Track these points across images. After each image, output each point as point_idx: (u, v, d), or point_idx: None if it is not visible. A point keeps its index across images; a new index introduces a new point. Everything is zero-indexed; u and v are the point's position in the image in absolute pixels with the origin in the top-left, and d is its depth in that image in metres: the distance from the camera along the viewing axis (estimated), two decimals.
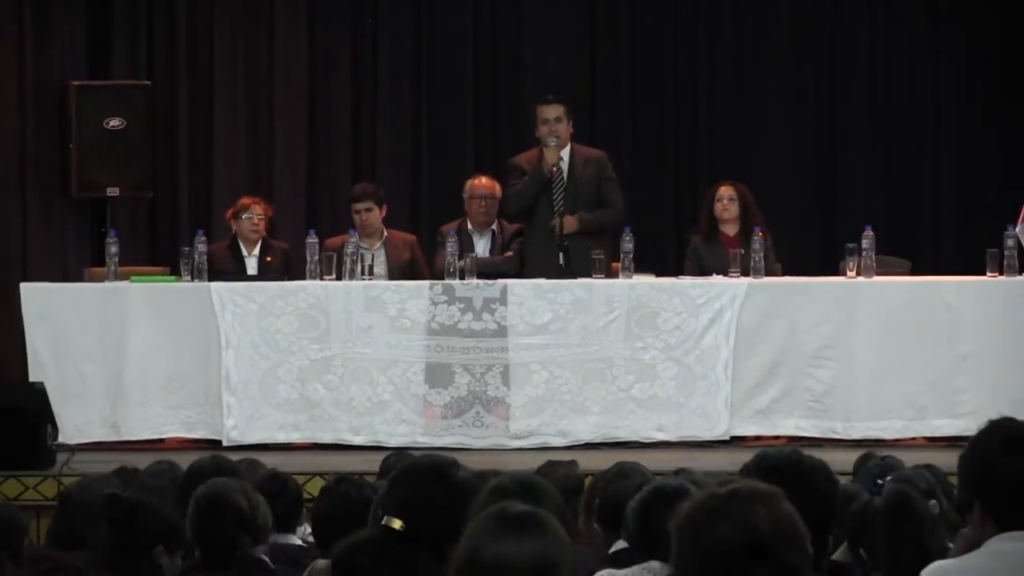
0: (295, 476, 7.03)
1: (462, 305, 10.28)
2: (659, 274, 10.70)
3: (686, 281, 10.51)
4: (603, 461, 7.58)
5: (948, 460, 6.02)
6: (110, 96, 12.44)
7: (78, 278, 11.23)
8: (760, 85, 13.28)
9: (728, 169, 12.09)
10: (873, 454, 7.40)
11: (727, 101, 13.32)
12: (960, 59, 13.25)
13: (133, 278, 10.59)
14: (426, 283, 10.48)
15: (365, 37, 13.29)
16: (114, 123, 12.27)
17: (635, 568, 4.95)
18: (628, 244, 10.38)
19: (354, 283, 10.41)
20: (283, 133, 13.18)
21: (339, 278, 10.42)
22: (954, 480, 5.06)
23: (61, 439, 9.70)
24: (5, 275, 11.89)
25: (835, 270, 10.61)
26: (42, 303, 10.37)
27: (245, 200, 11.52)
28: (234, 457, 7.04)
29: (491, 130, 13.28)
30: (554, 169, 10.79)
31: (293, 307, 10.29)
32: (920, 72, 13.28)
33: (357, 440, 10.16)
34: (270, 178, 13.09)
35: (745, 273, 10.36)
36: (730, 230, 10.91)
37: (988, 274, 10.33)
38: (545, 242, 10.76)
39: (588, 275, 10.37)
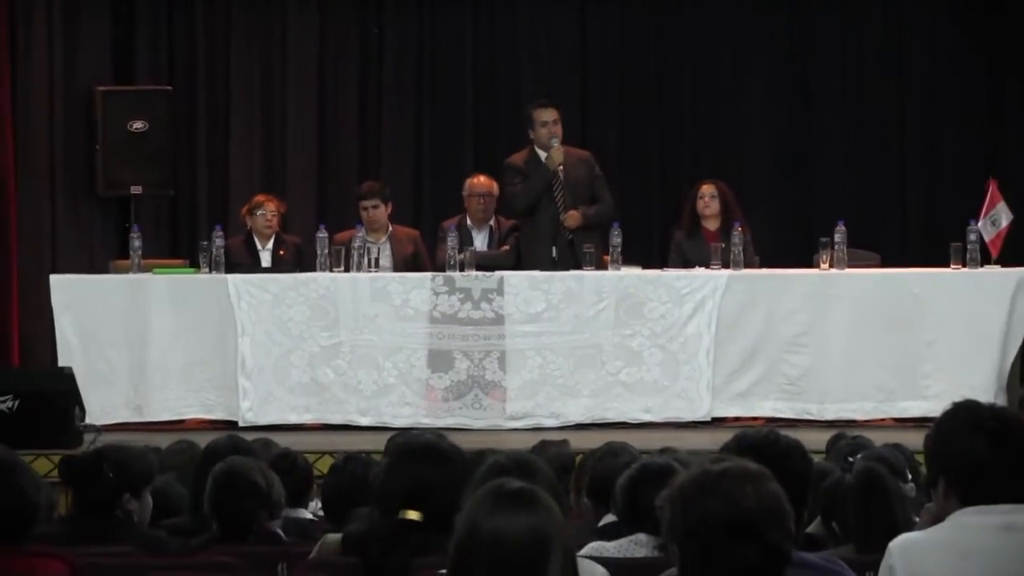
0: (306, 455, 7.02)
1: (462, 295, 10.27)
2: (645, 266, 10.69)
3: (671, 273, 10.51)
4: (593, 441, 7.59)
5: (915, 440, 6.03)
6: (134, 100, 12.43)
7: (104, 270, 11.22)
8: (739, 91, 13.28)
9: (709, 168, 12.09)
10: (844, 434, 7.41)
11: (708, 105, 13.32)
12: (924, 65, 13.24)
13: (155, 270, 10.58)
14: (428, 275, 10.48)
15: (371, 45, 13.29)
16: (137, 126, 12.26)
17: (623, 540, 4.95)
18: (617, 238, 10.39)
19: (361, 275, 10.41)
20: (295, 135, 13.19)
21: (347, 270, 10.42)
22: (920, 459, 5.06)
23: (88, 420, 9.70)
24: (36, 267, 11.89)
25: (809, 262, 10.61)
26: (70, 293, 10.37)
27: (259, 198, 11.52)
28: (249, 437, 7.03)
29: (489, 132, 13.27)
30: (559, 168, 10.77)
31: (304, 297, 10.29)
32: (888, 77, 13.27)
33: (364, 421, 10.16)
34: (283, 177, 13.08)
35: (725, 265, 10.35)
36: (711, 225, 10.90)
37: (952, 266, 10.33)
38: (542, 236, 10.75)
39: (580, 267, 10.38)
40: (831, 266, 10.36)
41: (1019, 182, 12.18)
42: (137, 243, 10.55)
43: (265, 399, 10.19)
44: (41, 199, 12.48)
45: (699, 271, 10.41)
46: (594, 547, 4.92)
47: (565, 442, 7.50)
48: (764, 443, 4.34)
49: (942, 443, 3.99)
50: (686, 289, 10.27)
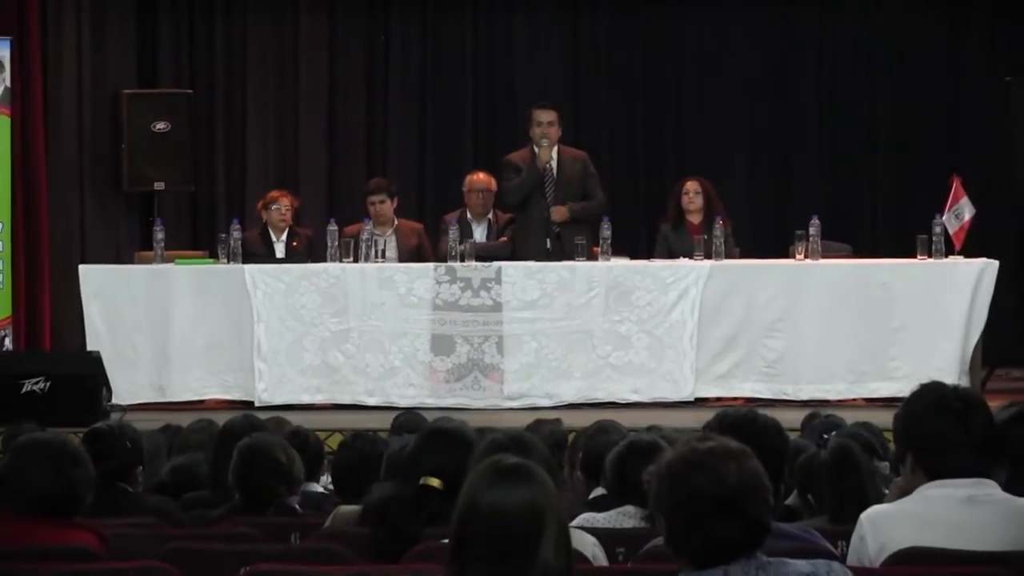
0: (317, 432, 7.01)
1: (462, 284, 10.27)
2: (633, 257, 10.68)
3: (657, 263, 10.50)
4: (584, 419, 7.58)
5: (884, 419, 6.04)
6: (157, 103, 12.43)
7: (129, 261, 11.22)
8: (720, 93, 13.28)
9: (693, 166, 12.08)
10: (818, 413, 7.40)
11: (692, 108, 13.32)
12: (893, 70, 13.24)
13: (177, 261, 10.58)
14: (431, 265, 10.47)
15: (377, 51, 13.29)
16: (160, 126, 12.26)
17: (612, 512, 4.95)
18: (606, 231, 10.39)
19: (369, 265, 10.40)
20: (307, 135, 13.18)
21: (356, 261, 10.41)
22: (889, 436, 5.06)
23: (115, 400, 9.71)
24: (66, 258, 11.88)
25: (786, 253, 10.60)
26: (98, 282, 10.36)
27: (274, 193, 11.51)
28: (264, 416, 7.03)
29: (487, 132, 13.27)
30: (547, 165, 10.76)
31: (316, 286, 10.28)
32: (859, 80, 13.27)
33: (371, 401, 10.15)
34: (296, 174, 13.08)
35: (708, 256, 10.35)
36: (695, 219, 10.90)
37: (919, 257, 10.32)
38: (535, 229, 10.74)
39: (572, 258, 10.37)
40: (806, 257, 10.35)
41: (981, 179, 12.20)
42: (160, 236, 10.55)
43: (279, 381, 10.18)
44: (70, 194, 12.46)
45: (683, 261, 10.40)
46: (585, 518, 4.92)
47: (558, 421, 7.49)
48: (743, 421, 4.34)
49: (910, 422, 3.99)
50: (671, 278, 10.27)
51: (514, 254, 10.75)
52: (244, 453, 5.48)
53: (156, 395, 10.18)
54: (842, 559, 3.93)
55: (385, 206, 11.22)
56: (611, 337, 10.21)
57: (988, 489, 3.90)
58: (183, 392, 10.20)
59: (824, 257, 10.39)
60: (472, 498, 3.27)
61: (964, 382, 9.39)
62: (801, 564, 3.28)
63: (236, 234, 10.48)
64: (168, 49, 13.08)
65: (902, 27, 13.19)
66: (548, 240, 10.66)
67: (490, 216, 11.30)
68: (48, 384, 9.34)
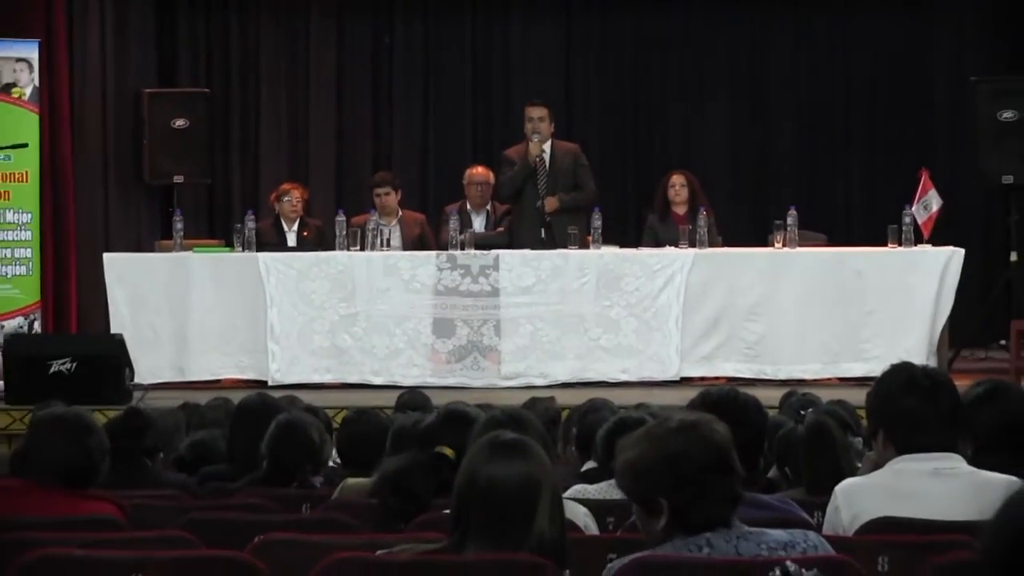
0: (326, 410, 7.02)
1: (462, 271, 10.26)
2: (622, 245, 10.67)
3: (644, 252, 10.49)
4: (577, 398, 7.59)
5: (857, 397, 6.03)
6: (176, 101, 12.42)
7: (150, 249, 11.20)
8: (705, 92, 13.28)
9: (679, 160, 12.08)
10: (795, 391, 7.40)
11: (677, 106, 13.33)
12: (865, 71, 13.24)
13: (195, 249, 10.57)
14: (433, 253, 10.46)
15: (382, 52, 13.28)
16: (179, 123, 12.24)
17: (602, 484, 4.95)
18: (597, 221, 10.38)
19: (375, 253, 10.40)
20: (316, 131, 13.18)
21: (362, 249, 10.40)
22: (862, 413, 5.06)
23: (137, 380, 9.70)
24: (91, 247, 11.88)
25: (765, 242, 10.60)
26: (121, 269, 10.35)
27: (286, 186, 11.51)
28: (277, 394, 7.03)
29: (485, 128, 13.27)
30: (537, 159, 10.76)
31: (325, 273, 10.27)
32: (834, 80, 13.28)
33: (377, 380, 10.15)
34: (306, 168, 13.07)
35: (692, 245, 10.34)
36: (680, 210, 10.89)
37: (889, 245, 10.32)
38: (530, 219, 10.74)
39: (565, 246, 10.37)
40: (784, 245, 10.35)
41: (948, 172, 12.21)
42: (179, 225, 10.54)
43: (291, 361, 10.18)
44: (95, 187, 12.46)
45: (669, 250, 10.40)
46: (577, 490, 4.92)
47: (552, 399, 7.49)
48: (725, 399, 4.34)
49: (881, 400, 3.99)
50: (658, 265, 10.26)
51: (511, 243, 10.75)
52: (281, 427, 5.44)
53: (175, 375, 10.18)
54: (818, 528, 3.93)
55: (390, 198, 11.22)
56: (602, 321, 10.21)
57: (954, 463, 3.90)
58: (201, 372, 10.19)
59: (801, 246, 10.39)
60: (472, 471, 3.28)
61: (932, 362, 9.39)
62: (779, 533, 3.28)
63: (250, 224, 10.47)
64: (186, 51, 13.08)
65: (874, 30, 13.19)
66: (542, 230, 10.66)
67: (488, 207, 11.30)
68: (75, 364, 9.33)
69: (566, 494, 4.48)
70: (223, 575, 3.39)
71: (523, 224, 10.78)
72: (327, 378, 10.20)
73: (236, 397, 6.70)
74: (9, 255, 11.38)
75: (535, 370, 10.18)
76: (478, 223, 11.19)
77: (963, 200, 12.34)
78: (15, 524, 4.06)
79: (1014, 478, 3.80)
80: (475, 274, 10.26)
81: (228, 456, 5.95)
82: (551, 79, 13.11)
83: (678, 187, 10.91)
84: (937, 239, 10.49)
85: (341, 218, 10.51)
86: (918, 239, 10.36)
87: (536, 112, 10.80)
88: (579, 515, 4.26)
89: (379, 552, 3.48)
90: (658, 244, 10.65)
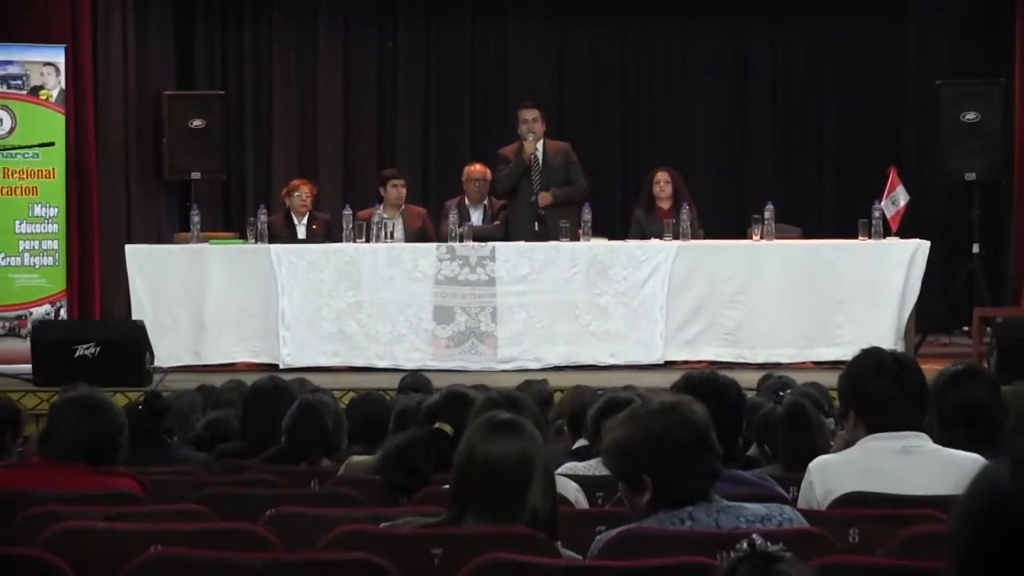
0: (334, 391, 7.00)
1: (461, 262, 10.25)
2: (611, 238, 10.67)
3: (631, 244, 10.49)
4: (568, 380, 7.61)
5: (830, 379, 6.04)
6: (193, 102, 12.40)
7: (169, 241, 11.20)
8: (688, 95, 13.28)
9: (663, 158, 12.06)
10: (772, 374, 7.41)
11: (663, 107, 13.33)
12: (839, 73, 13.23)
13: (211, 241, 10.56)
14: (434, 245, 10.45)
15: (387, 56, 13.28)
16: (196, 123, 12.23)
17: (592, 461, 4.95)
18: (587, 215, 10.37)
19: (379, 245, 10.39)
20: (325, 130, 13.18)
21: (368, 241, 10.39)
22: (834, 394, 5.06)
23: (156, 363, 9.69)
24: (114, 238, 11.86)
25: (744, 235, 10.60)
26: (142, 260, 10.34)
27: (296, 182, 11.51)
28: (287, 377, 7.02)
29: (483, 128, 13.26)
30: (531, 158, 10.75)
31: (333, 263, 10.26)
32: (809, 84, 13.28)
33: (381, 364, 10.14)
34: (315, 165, 13.06)
35: (676, 237, 10.34)
36: (665, 205, 10.89)
37: (860, 238, 10.32)
38: (524, 213, 10.74)
39: (557, 239, 10.36)
40: (762, 238, 10.35)
41: (914, 170, 12.21)
42: (196, 219, 10.53)
43: (301, 346, 10.17)
44: (118, 183, 12.44)
45: (654, 242, 10.39)
46: (569, 467, 4.92)
47: (545, 381, 7.50)
48: (707, 382, 4.34)
49: (852, 382, 3.99)
50: (644, 257, 10.26)
51: (507, 235, 10.75)
52: (302, 408, 5.41)
53: (193, 359, 10.17)
54: (793, 503, 3.93)
55: (403, 190, 11.25)
56: (591, 308, 10.20)
57: (920, 441, 3.91)
58: (216, 356, 10.18)
59: (777, 238, 10.39)
60: (471, 449, 3.28)
61: (900, 347, 9.39)
62: (757, 507, 3.28)
63: (263, 218, 10.47)
64: (203, 56, 13.08)
65: (847, 37, 13.18)
66: (536, 223, 10.66)
67: (486, 202, 11.30)
68: (98, 349, 9.32)
69: (558, 470, 4.48)
70: (237, 546, 3.39)
71: (518, 218, 10.79)
72: (335, 362, 10.19)
73: (250, 380, 6.69)
74: (37, 247, 11.36)
75: (529, 354, 10.18)
76: (476, 217, 11.18)
77: (929, 196, 12.35)
78: (42, 498, 4.05)
79: (977, 455, 3.80)
80: (473, 264, 10.25)
81: (241, 434, 5.94)
82: (544, 82, 13.10)
83: (663, 183, 10.91)
84: (904, 232, 10.50)
85: (348, 212, 10.50)
86: (887, 232, 10.37)
87: (530, 114, 10.81)
88: (570, 490, 4.26)
89: (383, 525, 3.48)
90: (644, 237, 10.65)
